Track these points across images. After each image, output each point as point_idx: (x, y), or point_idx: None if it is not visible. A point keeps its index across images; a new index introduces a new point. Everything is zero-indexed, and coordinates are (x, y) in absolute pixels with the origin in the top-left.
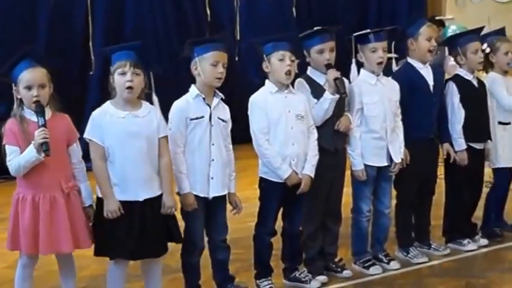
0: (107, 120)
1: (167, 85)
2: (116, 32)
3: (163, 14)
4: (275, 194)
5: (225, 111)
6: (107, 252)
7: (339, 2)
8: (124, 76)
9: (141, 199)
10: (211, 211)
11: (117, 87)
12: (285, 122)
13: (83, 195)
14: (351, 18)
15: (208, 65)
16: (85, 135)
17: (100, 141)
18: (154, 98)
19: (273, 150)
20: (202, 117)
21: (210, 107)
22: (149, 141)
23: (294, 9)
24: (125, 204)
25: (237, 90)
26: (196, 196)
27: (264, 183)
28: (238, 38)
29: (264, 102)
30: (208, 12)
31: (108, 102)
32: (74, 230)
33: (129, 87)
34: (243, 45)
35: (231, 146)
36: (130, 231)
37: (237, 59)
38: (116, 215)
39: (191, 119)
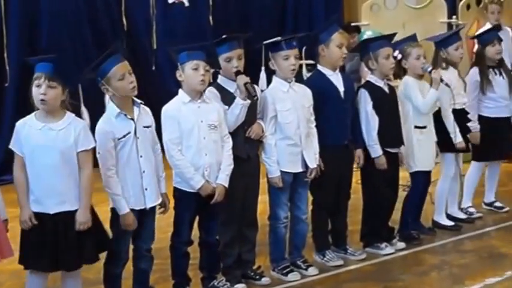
0: (25, 132)
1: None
2: (31, 43)
3: (79, 25)
4: (189, 204)
5: (147, 116)
6: (23, 262)
7: (255, 10)
8: (39, 88)
9: (51, 212)
10: (142, 220)
11: (34, 99)
12: (198, 132)
13: None
14: (268, 25)
15: (116, 81)
16: (10, 146)
17: (19, 151)
18: (83, 110)
19: (185, 160)
20: (129, 133)
21: (133, 120)
22: (64, 155)
23: (210, 18)
24: (38, 215)
25: (154, 100)
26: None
27: (177, 193)
28: (155, 47)
29: (176, 112)
30: (125, 21)
31: (32, 114)
32: None
33: (42, 100)
34: (159, 54)
35: (158, 146)
36: (41, 242)
37: (154, 68)
38: (28, 226)
39: (119, 139)
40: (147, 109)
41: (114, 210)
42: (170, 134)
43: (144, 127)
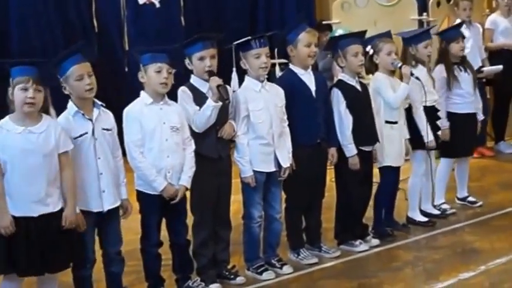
0: (4, 136)
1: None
2: (2, 45)
3: (50, 27)
4: (153, 206)
5: (108, 120)
6: (9, 269)
7: (227, 10)
8: (25, 92)
9: (35, 215)
10: (104, 224)
11: (16, 102)
12: (160, 134)
13: None
14: (240, 26)
15: (73, 81)
16: None
17: None
18: (52, 112)
19: (147, 162)
20: (86, 133)
21: (91, 121)
22: (46, 157)
23: (182, 18)
24: (20, 220)
25: (126, 101)
26: (86, 212)
27: (141, 196)
28: (127, 48)
29: (138, 114)
30: (96, 23)
31: (7, 117)
32: None
33: (30, 103)
34: (131, 55)
35: (119, 152)
36: (26, 247)
37: (126, 69)
38: (9, 231)
39: (75, 138)
40: (109, 113)
41: None
42: (132, 136)
43: (104, 129)
